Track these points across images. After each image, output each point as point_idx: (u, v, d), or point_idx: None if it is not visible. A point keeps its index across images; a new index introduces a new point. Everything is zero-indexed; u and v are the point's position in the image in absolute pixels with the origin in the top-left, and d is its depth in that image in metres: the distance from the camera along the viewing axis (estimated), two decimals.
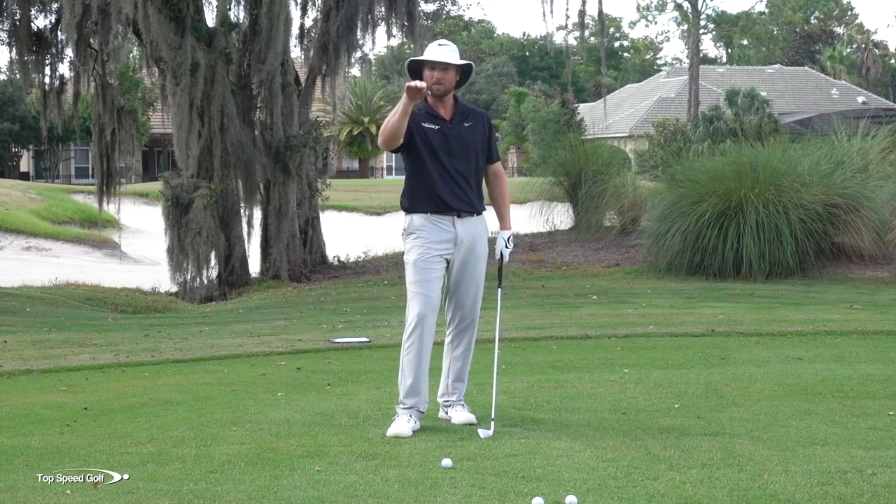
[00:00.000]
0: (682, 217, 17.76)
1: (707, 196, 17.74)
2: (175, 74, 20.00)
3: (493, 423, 6.18)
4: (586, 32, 54.73)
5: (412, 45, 23.51)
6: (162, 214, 21.44)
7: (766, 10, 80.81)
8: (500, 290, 6.63)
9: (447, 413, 6.54)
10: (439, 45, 6.48)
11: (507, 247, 6.58)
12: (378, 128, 63.87)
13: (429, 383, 6.47)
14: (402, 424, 6.25)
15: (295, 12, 22.87)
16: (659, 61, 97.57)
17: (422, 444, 5.95)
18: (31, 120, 52.92)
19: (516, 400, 7.17)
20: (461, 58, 6.49)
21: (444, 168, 6.36)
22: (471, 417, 6.44)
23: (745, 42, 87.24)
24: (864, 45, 74.47)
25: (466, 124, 6.45)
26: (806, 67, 70.23)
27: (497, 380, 6.42)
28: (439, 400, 6.61)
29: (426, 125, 6.39)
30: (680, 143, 35.54)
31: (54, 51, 22.95)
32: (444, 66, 6.37)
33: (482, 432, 6.06)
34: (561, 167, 23.02)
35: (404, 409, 6.35)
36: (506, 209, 6.64)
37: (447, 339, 6.59)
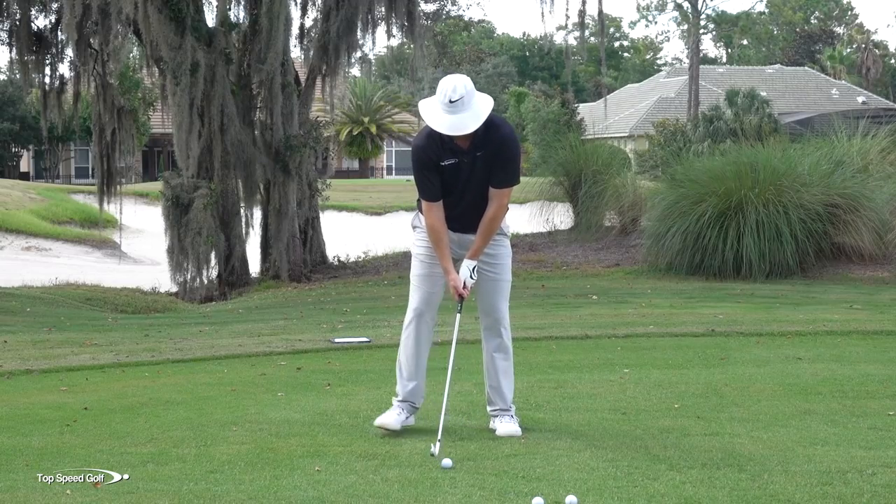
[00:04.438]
0: (682, 217, 17.75)
1: (707, 196, 17.73)
2: (175, 74, 20.00)
3: (438, 443, 5.72)
4: (586, 32, 54.71)
5: (412, 45, 23.52)
6: (162, 214, 21.45)
7: (766, 10, 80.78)
8: (457, 314, 6.30)
9: (493, 423, 6.29)
10: (451, 102, 5.87)
11: (471, 277, 6.17)
12: (378, 128, 64.08)
13: (425, 380, 6.44)
14: (391, 415, 6.23)
15: (295, 12, 22.90)
16: (659, 61, 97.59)
17: (422, 444, 5.94)
18: (31, 120, 52.90)
19: (516, 400, 7.15)
20: (465, 72, 6.22)
21: (454, 198, 6.15)
22: (516, 430, 6.15)
23: (745, 42, 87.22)
24: (864, 45, 74.46)
25: (479, 153, 6.06)
26: (806, 67, 70.23)
27: (446, 402, 6.12)
28: (487, 409, 6.41)
29: (445, 163, 6.09)
30: (680, 143, 35.56)
31: (54, 51, 22.96)
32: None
33: (444, 462, 5.51)
34: (561, 167, 23.01)
35: (399, 401, 6.34)
36: (481, 240, 6.17)
37: (483, 344, 6.43)
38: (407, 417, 6.30)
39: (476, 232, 6.20)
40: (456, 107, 5.88)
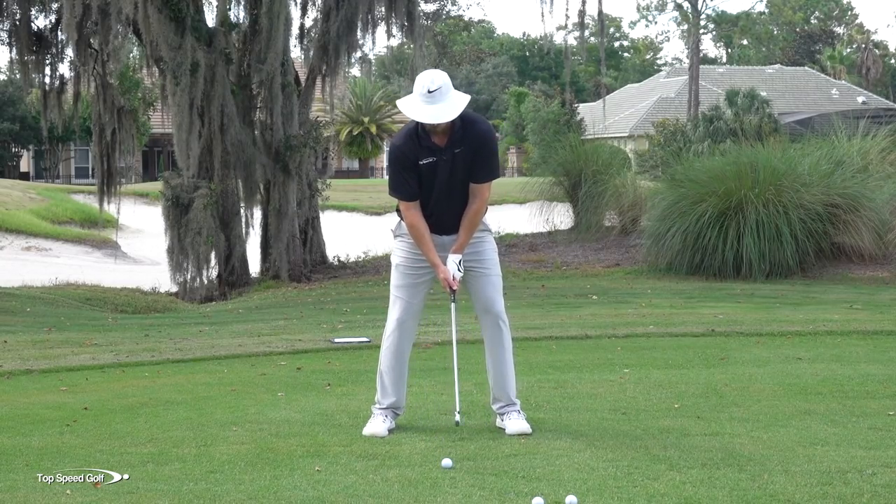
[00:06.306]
0: (682, 217, 17.76)
1: (707, 196, 17.74)
2: (175, 74, 19.99)
3: (458, 414, 6.19)
4: (586, 32, 54.71)
5: (412, 45, 23.51)
6: (162, 214, 21.44)
7: (766, 10, 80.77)
8: (452, 304, 6.35)
9: (502, 421, 6.28)
10: (430, 92, 5.94)
11: (458, 270, 6.20)
12: (378, 128, 64.09)
13: (406, 386, 6.44)
14: (378, 424, 6.24)
15: (295, 12, 22.90)
16: (659, 61, 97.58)
17: (422, 444, 5.95)
18: (31, 120, 52.93)
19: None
20: (451, 72, 6.24)
21: (432, 198, 6.17)
22: (525, 427, 6.15)
23: (745, 42, 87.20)
24: (864, 45, 74.47)
25: (457, 150, 6.11)
26: (806, 67, 70.21)
27: (458, 378, 6.33)
28: (493, 407, 6.39)
29: (423, 162, 6.11)
30: (680, 143, 35.56)
31: (54, 51, 22.95)
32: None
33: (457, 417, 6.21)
34: (561, 167, 23.02)
35: (380, 409, 6.35)
36: (465, 234, 6.20)
37: (485, 342, 6.42)
38: (392, 422, 6.31)
39: (456, 233, 6.24)
40: (434, 97, 5.96)
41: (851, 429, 6.22)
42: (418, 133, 6.11)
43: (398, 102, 6.19)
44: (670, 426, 6.31)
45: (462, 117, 6.07)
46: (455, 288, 6.22)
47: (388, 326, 6.39)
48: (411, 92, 6.11)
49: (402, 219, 6.33)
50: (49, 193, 43.39)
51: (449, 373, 8.34)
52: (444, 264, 6.23)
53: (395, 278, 6.39)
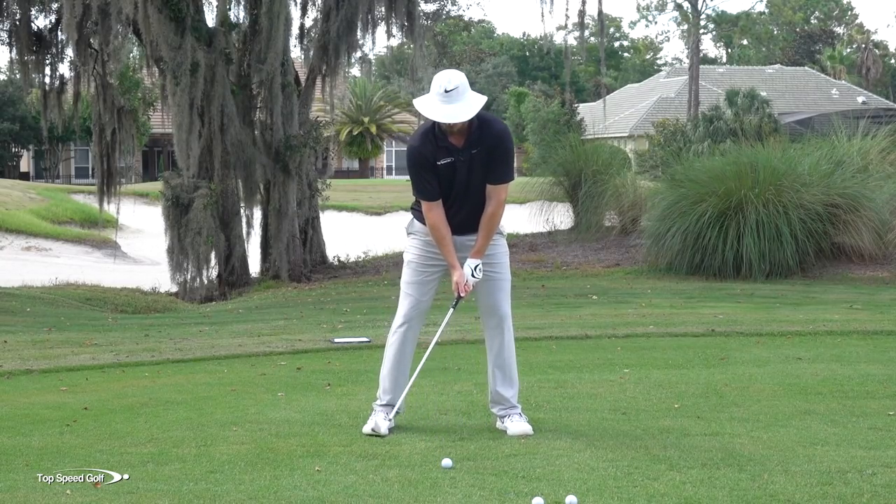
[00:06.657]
0: (682, 217, 17.76)
1: (707, 196, 17.73)
2: (175, 74, 20.00)
3: (392, 419, 6.25)
4: (586, 32, 54.72)
5: (412, 45, 23.53)
6: (162, 214, 21.45)
7: (766, 10, 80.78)
8: (451, 309, 6.38)
9: (503, 423, 6.26)
10: (447, 92, 5.96)
11: (473, 276, 6.17)
12: (378, 128, 64.08)
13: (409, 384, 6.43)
14: (380, 421, 6.24)
15: (295, 12, 22.92)
16: (659, 61, 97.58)
17: (422, 444, 5.95)
18: (31, 120, 52.93)
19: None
20: (466, 71, 6.23)
21: (451, 199, 6.16)
22: (527, 428, 6.14)
23: (745, 42, 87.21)
24: (864, 45, 74.46)
25: (474, 151, 6.12)
26: (806, 67, 70.20)
27: (413, 380, 6.34)
28: (492, 410, 6.37)
29: (441, 162, 6.11)
30: (680, 143, 35.58)
31: (54, 51, 22.97)
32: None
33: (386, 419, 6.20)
34: (561, 167, 23.03)
35: (381, 405, 6.34)
36: (484, 238, 6.19)
37: (486, 343, 6.43)
38: (391, 421, 6.31)
39: (474, 233, 6.23)
40: (451, 96, 5.97)
41: (851, 429, 6.22)
42: (435, 133, 6.11)
43: (415, 102, 6.18)
44: (670, 426, 6.31)
45: (479, 118, 6.08)
46: (464, 294, 6.20)
47: (396, 321, 6.37)
48: (428, 91, 6.12)
49: (415, 217, 6.34)
50: (49, 193, 43.40)
51: (449, 373, 8.38)
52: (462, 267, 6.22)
53: (406, 275, 6.38)
